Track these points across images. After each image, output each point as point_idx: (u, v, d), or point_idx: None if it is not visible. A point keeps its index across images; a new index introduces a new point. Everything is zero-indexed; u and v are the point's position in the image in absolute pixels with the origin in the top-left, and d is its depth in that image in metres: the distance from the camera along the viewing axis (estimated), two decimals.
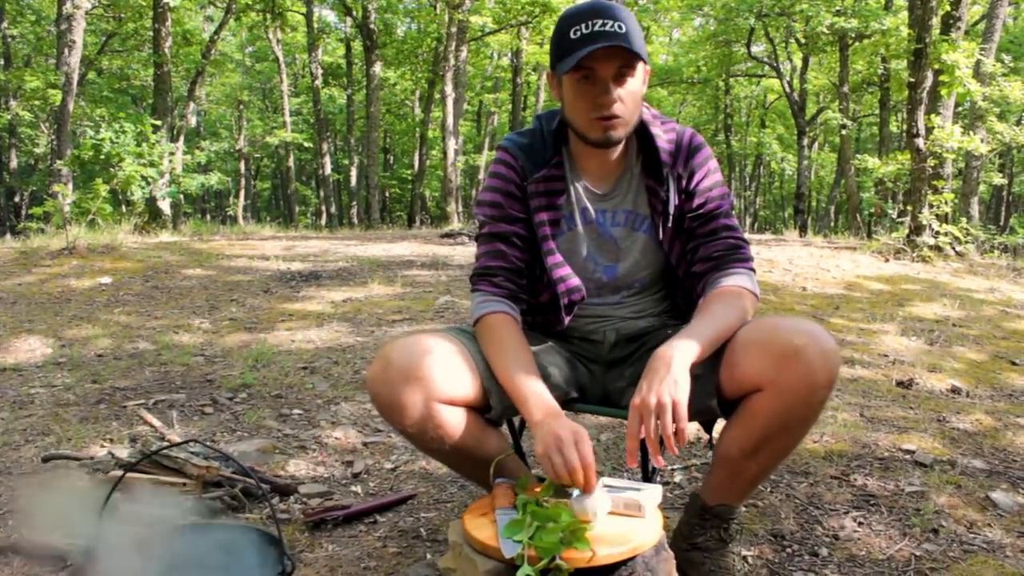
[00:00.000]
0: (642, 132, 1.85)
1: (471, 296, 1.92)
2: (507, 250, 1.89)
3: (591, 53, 1.65)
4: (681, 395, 1.55)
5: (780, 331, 1.62)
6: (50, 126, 21.46)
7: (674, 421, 1.54)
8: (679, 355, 1.59)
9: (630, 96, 1.74)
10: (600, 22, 1.66)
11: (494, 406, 1.79)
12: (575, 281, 1.90)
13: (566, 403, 1.99)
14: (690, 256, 1.88)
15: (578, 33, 1.67)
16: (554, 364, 1.92)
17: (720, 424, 1.84)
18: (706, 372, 1.74)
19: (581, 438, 1.56)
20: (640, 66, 1.73)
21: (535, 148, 1.89)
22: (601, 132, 1.75)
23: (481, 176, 29.85)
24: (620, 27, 1.66)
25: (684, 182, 1.86)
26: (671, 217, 1.86)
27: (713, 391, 1.73)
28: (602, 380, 1.98)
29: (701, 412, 1.81)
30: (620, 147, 1.86)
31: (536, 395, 1.68)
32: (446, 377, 1.70)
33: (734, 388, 1.69)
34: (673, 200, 1.85)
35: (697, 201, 1.85)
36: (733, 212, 1.90)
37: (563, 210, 1.90)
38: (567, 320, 1.93)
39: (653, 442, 1.56)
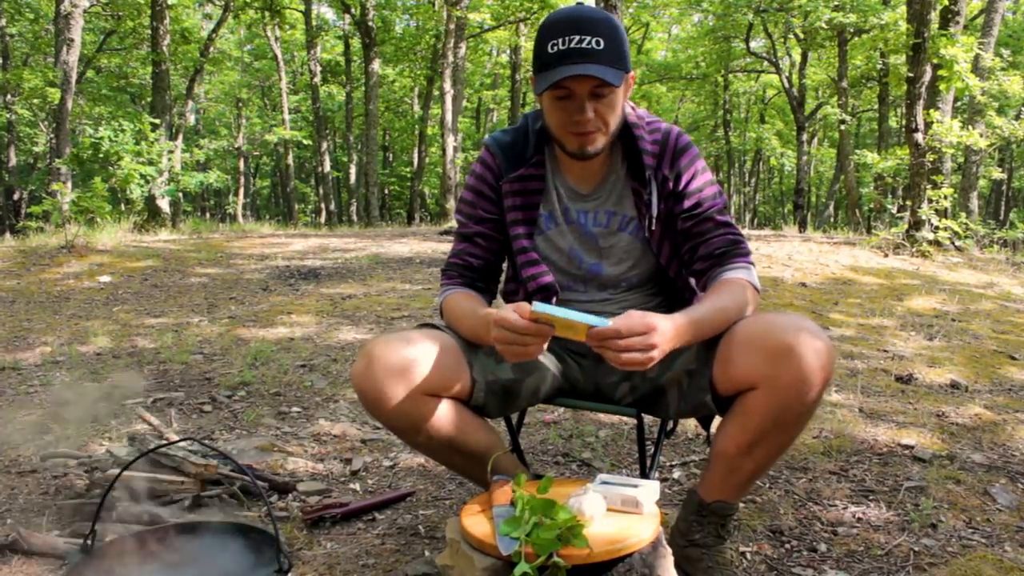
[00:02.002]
0: (626, 134, 1.85)
1: None
2: (468, 249, 1.97)
3: (566, 77, 1.64)
4: (651, 364, 1.52)
5: (774, 328, 1.62)
6: (49, 125, 21.44)
7: (641, 359, 1.50)
8: (675, 331, 1.57)
9: (608, 109, 1.73)
10: (578, 38, 1.64)
11: (477, 389, 1.80)
12: (547, 279, 1.91)
13: (556, 397, 2.00)
14: (687, 256, 1.88)
15: (555, 48, 1.66)
16: (546, 356, 1.93)
17: (717, 421, 1.84)
18: (700, 367, 1.74)
19: (507, 312, 1.58)
20: (621, 81, 1.72)
21: (516, 147, 1.91)
22: (577, 146, 1.76)
23: None
24: (598, 43, 1.64)
25: (671, 184, 1.85)
26: (654, 219, 1.86)
27: (707, 386, 1.73)
28: (593, 375, 1.98)
29: (696, 408, 1.81)
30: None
31: (492, 311, 1.72)
32: (428, 369, 1.72)
33: (728, 385, 1.69)
34: (656, 202, 1.85)
35: (688, 202, 1.85)
36: (727, 209, 1.90)
37: (541, 209, 1.92)
38: None
39: (613, 349, 1.49)
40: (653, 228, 1.87)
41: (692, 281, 1.94)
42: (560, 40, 1.66)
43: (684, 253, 1.89)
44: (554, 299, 1.92)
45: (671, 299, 1.98)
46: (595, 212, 1.91)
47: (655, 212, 1.85)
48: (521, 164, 1.89)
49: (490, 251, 1.97)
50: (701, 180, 1.86)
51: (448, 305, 1.93)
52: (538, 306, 1.50)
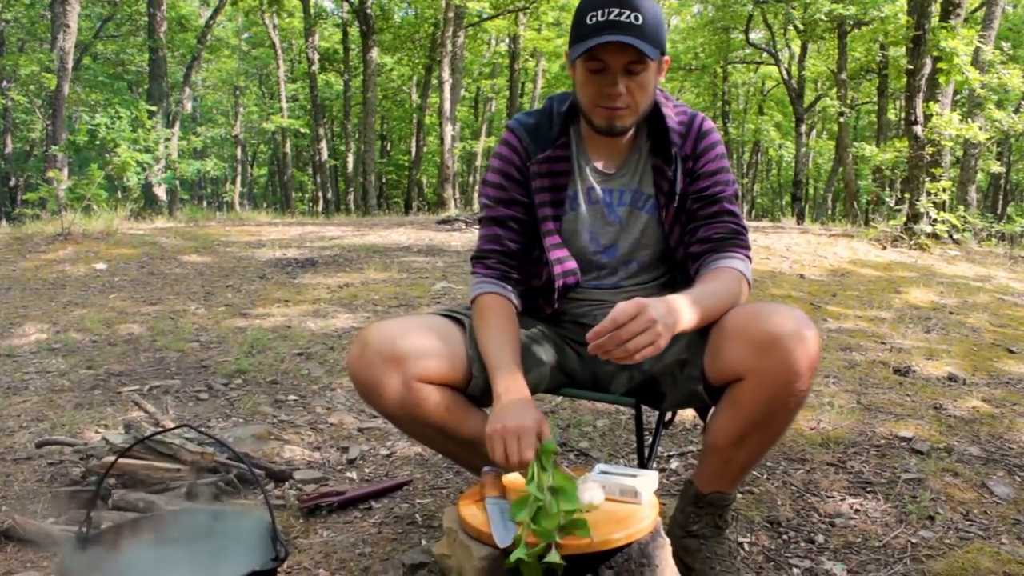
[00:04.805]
0: (653, 112, 1.83)
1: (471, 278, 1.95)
2: (503, 233, 1.90)
3: (602, 44, 1.63)
4: (663, 342, 1.48)
5: (759, 319, 1.60)
6: (45, 111, 21.37)
7: (648, 339, 1.46)
8: (670, 308, 1.53)
9: (639, 88, 1.71)
10: (617, 11, 1.63)
11: (475, 375, 1.79)
12: (571, 264, 1.88)
13: (556, 389, 1.99)
14: (688, 238, 1.86)
15: (594, 20, 1.65)
16: (543, 349, 1.91)
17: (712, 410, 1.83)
18: (692, 357, 1.73)
19: (526, 433, 1.56)
20: (656, 56, 1.70)
21: (541, 128, 1.88)
22: (605, 120, 1.75)
23: (478, 163, 29.82)
24: (636, 18, 1.63)
25: (691, 164, 1.84)
26: (676, 197, 1.84)
27: (699, 376, 1.72)
28: (592, 365, 1.97)
29: (688, 397, 1.80)
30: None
31: (508, 374, 1.69)
32: (423, 356, 1.71)
33: (718, 376, 1.68)
34: (679, 181, 1.83)
35: (702, 184, 1.83)
36: (736, 200, 1.88)
37: (567, 191, 1.89)
38: (557, 304, 1.91)
39: (618, 343, 1.46)
40: (673, 205, 1.85)
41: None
42: (599, 12, 1.64)
43: (685, 235, 1.87)
44: (575, 281, 1.90)
45: (678, 287, 1.96)
46: (620, 192, 1.89)
47: (677, 190, 1.83)
48: (547, 145, 1.86)
49: (524, 235, 1.91)
50: (717, 165, 1.85)
51: (482, 312, 1.84)
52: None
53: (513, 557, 1.35)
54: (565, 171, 1.88)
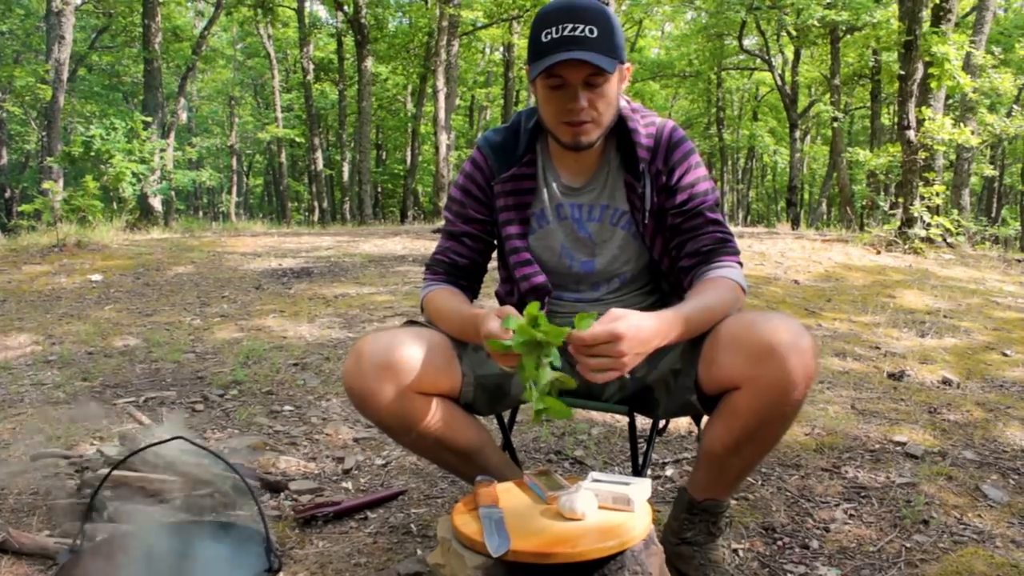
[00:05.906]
0: (620, 127, 1.83)
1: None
2: (455, 247, 1.96)
3: (559, 61, 1.64)
4: (632, 359, 1.49)
5: (756, 328, 1.60)
6: (40, 123, 21.37)
7: (608, 364, 1.48)
8: (654, 331, 1.54)
9: (602, 100, 1.71)
10: (571, 26, 1.63)
11: (465, 373, 1.80)
12: (540, 279, 1.89)
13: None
14: (675, 252, 1.86)
15: (549, 36, 1.65)
16: None
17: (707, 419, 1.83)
18: (686, 367, 1.74)
19: (492, 326, 1.56)
20: (614, 68, 1.71)
21: (508, 146, 1.90)
22: (570, 137, 1.75)
23: None
24: (591, 31, 1.63)
25: (664, 178, 1.83)
26: (648, 213, 1.84)
27: (693, 387, 1.72)
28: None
29: (683, 407, 1.80)
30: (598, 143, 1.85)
31: (475, 312, 1.72)
32: (418, 367, 1.72)
33: (713, 385, 1.68)
34: (651, 196, 1.83)
35: (680, 197, 1.83)
36: (718, 206, 1.88)
37: (533, 208, 1.91)
38: None
39: (587, 363, 1.49)
40: (647, 222, 1.85)
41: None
42: (553, 29, 1.65)
43: (672, 249, 1.87)
44: (546, 298, 1.91)
45: (665, 295, 1.97)
46: (589, 207, 1.89)
47: (649, 206, 1.84)
48: (513, 163, 1.87)
49: (476, 251, 1.96)
50: (694, 175, 1.84)
51: (431, 301, 1.92)
52: (512, 320, 1.50)
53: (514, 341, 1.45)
54: (531, 189, 1.89)
